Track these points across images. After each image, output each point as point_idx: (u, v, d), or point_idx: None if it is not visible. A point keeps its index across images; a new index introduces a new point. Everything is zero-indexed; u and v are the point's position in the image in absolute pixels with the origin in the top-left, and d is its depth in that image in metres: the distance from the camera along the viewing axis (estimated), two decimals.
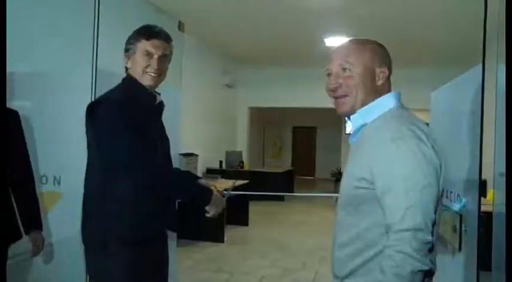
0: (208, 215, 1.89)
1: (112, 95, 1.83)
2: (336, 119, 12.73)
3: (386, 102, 1.40)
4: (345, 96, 1.42)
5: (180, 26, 3.46)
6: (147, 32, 1.86)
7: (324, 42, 7.42)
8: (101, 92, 2.15)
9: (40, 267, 2.56)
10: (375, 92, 1.41)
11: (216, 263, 4.94)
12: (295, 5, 5.74)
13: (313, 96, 9.79)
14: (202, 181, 2.02)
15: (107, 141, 1.74)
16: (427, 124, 1.40)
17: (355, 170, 1.35)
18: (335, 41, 7.16)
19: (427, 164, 1.23)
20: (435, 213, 1.23)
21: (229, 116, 10.03)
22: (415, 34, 6.80)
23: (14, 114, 2.19)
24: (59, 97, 2.63)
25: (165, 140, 2.03)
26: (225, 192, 2.02)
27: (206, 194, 1.88)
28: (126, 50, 1.87)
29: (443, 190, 1.33)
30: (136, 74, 1.85)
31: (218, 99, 9.16)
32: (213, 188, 1.94)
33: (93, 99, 2.48)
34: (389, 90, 1.43)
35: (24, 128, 2.25)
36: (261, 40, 7.71)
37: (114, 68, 2.63)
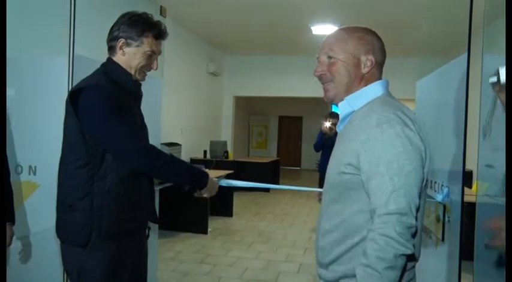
0: (197, 195, 1.89)
1: (96, 81, 1.73)
2: (322, 109, 12.74)
3: (374, 90, 1.41)
4: (330, 82, 1.45)
5: (162, 11, 3.38)
6: (157, 31, 1.81)
7: (311, 31, 7.37)
8: (78, 78, 2.08)
9: (15, 260, 2.49)
10: (360, 79, 1.42)
11: (199, 255, 4.89)
12: None
13: (299, 86, 9.81)
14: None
15: (99, 128, 1.67)
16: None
17: (341, 155, 1.35)
18: (322, 29, 7.14)
19: (412, 149, 1.23)
20: (419, 198, 1.24)
21: (214, 105, 9.96)
22: (401, 23, 6.78)
23: None
24: (35, 84, 2.55)
25: (145, 129, 1.98)
26: (216, 179, 1.99)
27: (203, 177, 1.86)
28: (125, 38, 1.78)
29: (427, 179, 1.34)
30: (129, 66, 1.80)
31: (203, 88, 9.08)
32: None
33: (70, 86, 2.40)
34: (378, 78, 1.44)
35: None
36: (247, 28, 7.63)
37: (91, 53, 2.56)
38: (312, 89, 10.07)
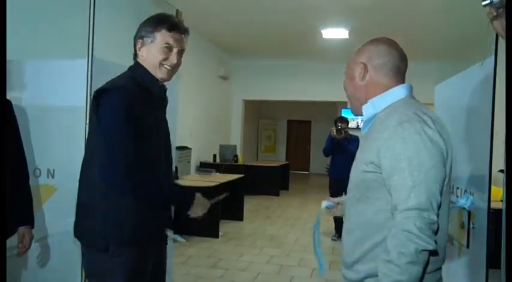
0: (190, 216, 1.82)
1: (121, 83, 1.71)
2: (331, 113, 12.73)
3: (397, 93, 1.44)
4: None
5: (178, 14, 3.38)
6: (169, 23, 1.77)
7: (321, 34, 7.31)
8: (97, 81, 2.06)
9: (33, 263, 2.48)
10: (364, 88, 1.47)
11: (211, 259, 4.87)
12: None
13: (308, 90, 9.78)
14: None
15: (106, 132, 1.64)
16: None
17: (364, 155, 1.39)
18: (333, 33, 7.11)
19: (432, 146, 1.26)
20: (441, 195, 1.25)
21: (224, 109, 9.95)
22: (418, 25, 6.67)
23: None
24: (53, 87, 2.54)
25: (168, 134, 1.95)
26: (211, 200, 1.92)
27: (187, 199, 1.80)
28: (141, 37, 1.77)
29: (450, 178, 1.35)
30: (150, 64, 1.77)
31: (212, 91, 9.07)
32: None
33: (89, 89, 2.39)
34: (391, 81, 1.45)
35: (18, 119, 2.17)
36: (256, 31, 7.61)
37: (110, 57, 2.55)
38: (320, 93, 10.11)
